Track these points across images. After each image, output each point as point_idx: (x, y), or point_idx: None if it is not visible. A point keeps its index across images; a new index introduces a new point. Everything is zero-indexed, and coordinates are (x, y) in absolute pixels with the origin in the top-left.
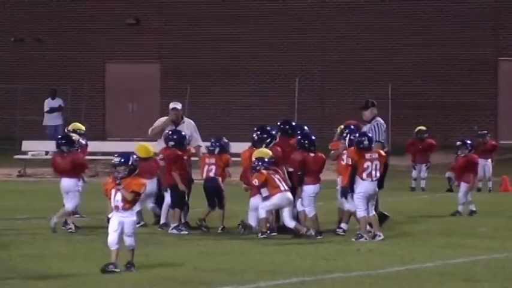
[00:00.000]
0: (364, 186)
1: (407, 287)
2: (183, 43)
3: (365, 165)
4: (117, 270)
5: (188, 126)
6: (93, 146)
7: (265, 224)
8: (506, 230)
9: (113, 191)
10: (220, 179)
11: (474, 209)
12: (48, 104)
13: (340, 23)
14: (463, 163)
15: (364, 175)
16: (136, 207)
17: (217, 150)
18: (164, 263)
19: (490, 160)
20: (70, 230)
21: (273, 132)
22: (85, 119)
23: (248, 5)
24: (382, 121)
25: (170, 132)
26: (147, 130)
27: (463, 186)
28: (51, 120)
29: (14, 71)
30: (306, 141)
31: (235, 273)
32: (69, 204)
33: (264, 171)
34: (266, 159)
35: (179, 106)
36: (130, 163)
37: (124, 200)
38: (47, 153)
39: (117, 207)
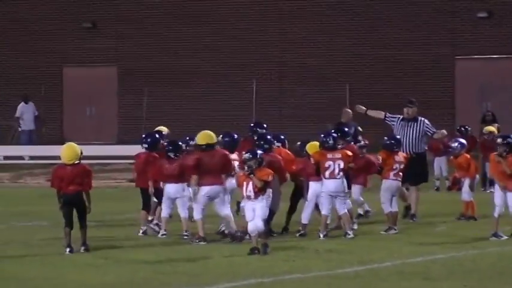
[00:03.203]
0: (326, 184)
1: (365, 286)
2: (140, 46)
3: (326, 165)
4: (258, 253)
5: None
6: (51, 150)
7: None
8: (463, 229)
9: (245, 183)
10: None
11: (368, 209)
12: (21, 108)
13: (297, 25)
14: (360, 164)
15: (327, 174)
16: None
17: None
18: (123, 266)
19: (445, 158)
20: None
21: None
22: (43, 123)
23: (205, 7)
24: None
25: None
26: (105, 133)
27: (357, 187)
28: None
29: None
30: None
31: (194, 276)
32: (182, 211)
33: None
34: None
35: None
36: (258, 156)
37: (254, 187)
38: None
39: (249, 197)
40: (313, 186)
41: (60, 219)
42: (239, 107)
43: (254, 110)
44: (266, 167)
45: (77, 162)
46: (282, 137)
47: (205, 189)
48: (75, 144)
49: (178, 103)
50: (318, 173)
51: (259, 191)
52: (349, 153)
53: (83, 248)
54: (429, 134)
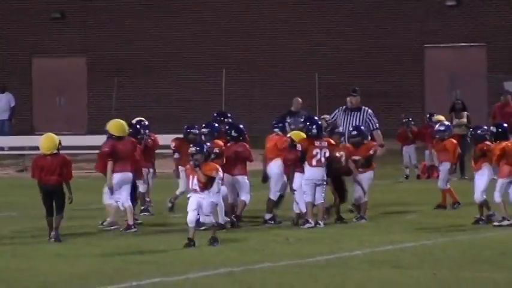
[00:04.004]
0: (311, 172)
1: (336, 275)
2: (109, 36)
3: (314, 152)
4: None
5: None
6: (21, 140)
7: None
8: (433, 217)
9: (191, 175)
10: None
11: None
12: None
13: (266, 13)
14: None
15: (314, 162)
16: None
17: None
18: (93, 256)
19: (413, 147)
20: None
21: None
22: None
23: None
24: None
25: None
26: (75, 123)
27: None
28: None
29: None
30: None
31: (164, 265)
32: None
33: None
34: None
35: None
36: (205, 150)
37: (199, 182)
38: None
39: (195, 190)
40: (298, 177)
41: (31, 210)
42: (208, 97)
43: (223, 100)
44: (232, 157)
45: (55, 152)
46: (288, 121)
47: (117, 176)
48: (54, 135)
49: (147, 93)
50: (302, 160)
51: (204, 186)
52: (333, 141)
53: (53, 233)
54: (370, 126)
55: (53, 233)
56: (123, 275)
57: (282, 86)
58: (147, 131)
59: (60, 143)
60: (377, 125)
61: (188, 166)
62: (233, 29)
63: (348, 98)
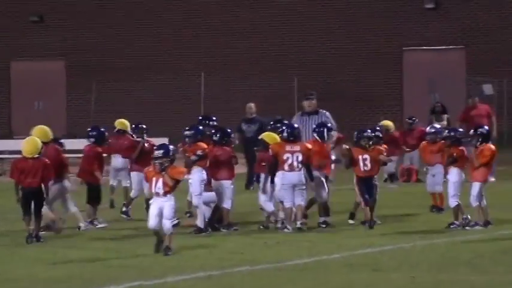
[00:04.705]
0: (286, 177)
1: (315, 278)
2: (87, 39)
3: (285, 157)
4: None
5: None
6: None
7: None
8: (412, 221)
9: (154, 179)
10: None
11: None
12: None
13: (244, 16)
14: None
15: (286, 166)
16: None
17: None
18: (71, 260)
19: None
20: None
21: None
22: None
23: (153, 0)
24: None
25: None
26: (54, 127)
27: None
28: None
29: None
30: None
31: (143, 270)
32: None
33: None
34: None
35: None
36: (171, 154)
37: (165, 185)
38: None
39: (157, 194)
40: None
41: (8, 214)
42: (188, 100)
43: (202, 103)
44: (212, 161)
45: (37, 156)
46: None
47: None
48: (37, 138)
49: (126, 96)
50: (272, 166)
51: (170, 189)
52: (309, 146)
53: (34, 239)
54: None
55: (32, 238)
56: (102, 280)
57: (260, 90)
58: (144, 135)
59: (42, 147)
60: (335, 126)
61: (150, 169)
62: (211, 33)
63: (306, 102)
